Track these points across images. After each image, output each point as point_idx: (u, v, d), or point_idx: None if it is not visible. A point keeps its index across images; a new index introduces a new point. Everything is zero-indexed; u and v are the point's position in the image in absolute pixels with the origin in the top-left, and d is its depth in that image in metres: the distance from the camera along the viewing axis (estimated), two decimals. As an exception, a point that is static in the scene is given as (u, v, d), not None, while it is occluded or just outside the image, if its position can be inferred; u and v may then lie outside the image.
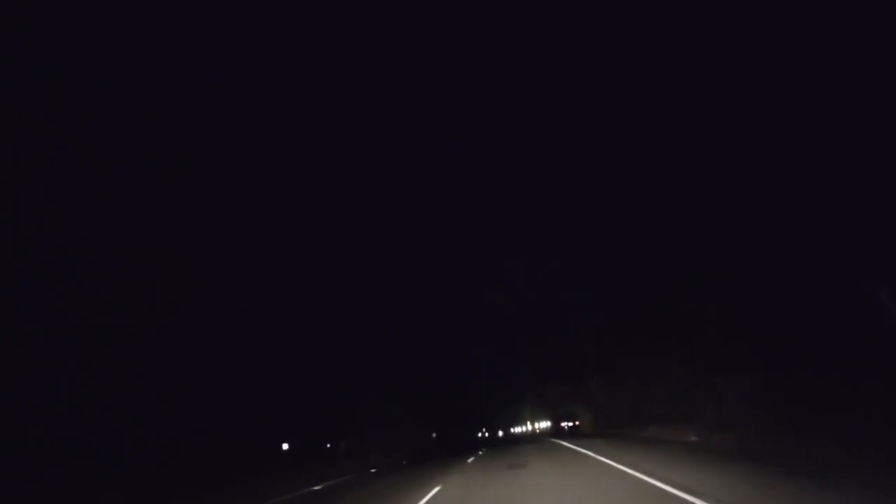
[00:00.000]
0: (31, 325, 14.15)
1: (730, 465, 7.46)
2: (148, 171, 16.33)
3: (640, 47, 15.33)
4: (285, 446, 24.35)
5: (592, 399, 34.28)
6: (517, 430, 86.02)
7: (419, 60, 17.46)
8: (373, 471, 17.24)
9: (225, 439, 19.80)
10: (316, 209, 24.93)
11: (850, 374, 11.29)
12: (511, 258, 26.99)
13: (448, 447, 36.55)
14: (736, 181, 15.02)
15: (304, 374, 29.70)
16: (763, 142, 14.18)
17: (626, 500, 5.47)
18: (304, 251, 26.82)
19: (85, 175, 14.89)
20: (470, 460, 15.81)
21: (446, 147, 22.48)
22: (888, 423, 7.52)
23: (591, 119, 17.99)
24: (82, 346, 15.56)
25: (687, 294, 17.43)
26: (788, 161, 13.87)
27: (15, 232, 13.25)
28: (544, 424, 65.31)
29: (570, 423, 38.75)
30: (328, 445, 29.44)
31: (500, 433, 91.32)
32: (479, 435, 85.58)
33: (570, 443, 18.23)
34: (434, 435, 52.80)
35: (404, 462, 21.01)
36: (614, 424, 26.32)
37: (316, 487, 13.12)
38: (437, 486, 9.64)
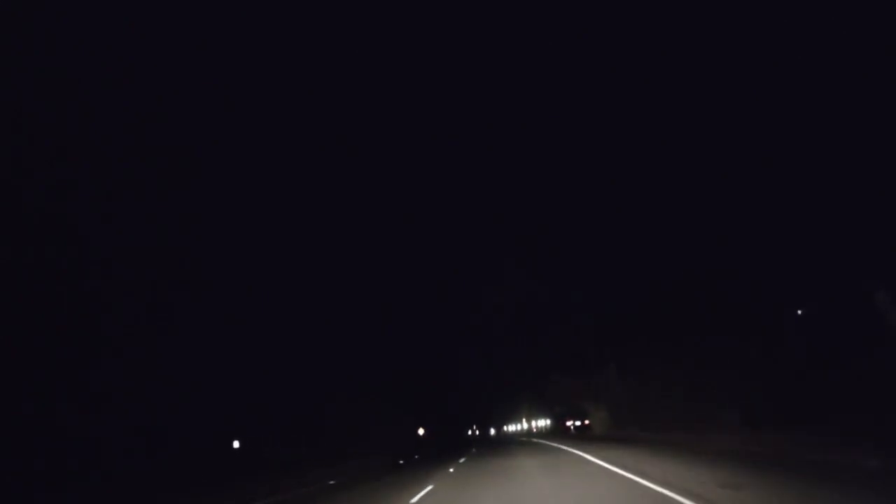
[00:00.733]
0: (30, 326, 14.14)
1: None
2: (148, 171, 16.32)
3: (640, 47, 15.34)
4: (236, 444, 21.53)
5: (607, 393, 27.10)
6: (512, 428, 79.66)
7: (419, 60, 17.47)
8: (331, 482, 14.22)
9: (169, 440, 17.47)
10: (316, 209, 24.92)
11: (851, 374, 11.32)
12: (511, 258, 26.97)
13: (436, 448, 33.41)
14: (736, 181, 15.02)
15: (304, 374, 29.68)
16: (763, 142, 14.18)
17: None
18: (304, 251, 26.80)
19: (85, 175, 14.88)
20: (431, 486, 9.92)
21: (446, 147, 22.47)
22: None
23: (591, 119, 18.00)
24: (82, 346, 15.55)
25: (687, 294, 17.43)
26: (788, 161, 13.87)
27: (14, 232, 13.25)
28: (542, 423, 60.11)
29: (579, 423, 32.67)
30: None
31: (493, 431, 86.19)
32: (470, 432, 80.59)
33: (594, 455, 12.27)
34: (421, 433, 49.46)
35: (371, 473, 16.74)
36: (632, 425, 21.99)
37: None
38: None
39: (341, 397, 31.45)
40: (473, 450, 27.44)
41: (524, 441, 33.05)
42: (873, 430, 7.94)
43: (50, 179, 14.03)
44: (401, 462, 21.46)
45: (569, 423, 34.96)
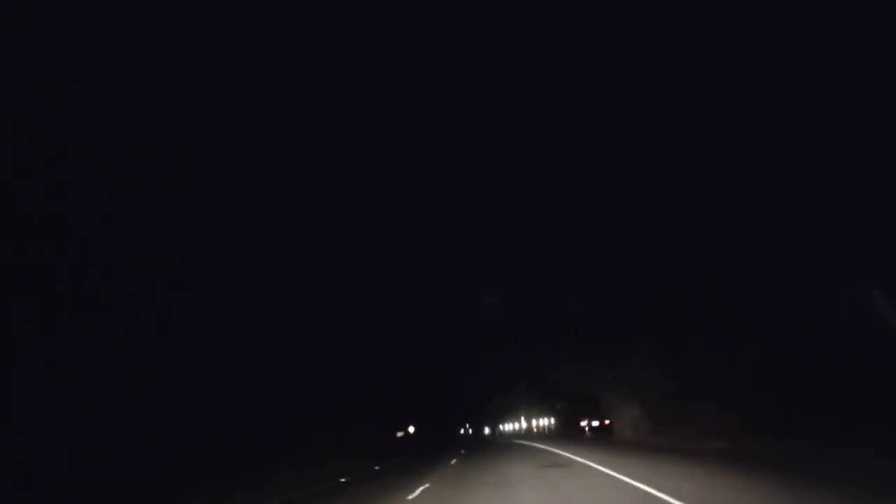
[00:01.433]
0: (30, 326, 14.14)
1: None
2: (148, 171, 16.31)
3: (640, 47, 15.33)
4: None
5: (644, 382, 19.69)
6: (508, 427, 72.04)
7: (419, 60, 17.42)
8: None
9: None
10: (316, 209, 24.90)
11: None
12: (510, 258, 26.94)
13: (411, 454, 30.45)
14: (736, 181, 15.03)
15: (303, 374, 29.66)
16: (763, 142, 14.18)
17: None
18: (304, 251, 26.77)
19: (85, 175, 14.87)
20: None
21: (446, 147, 22.43)
22: None
23: (591, 119, 17.97)
24: (82, 346, 15.55)
25: (687, 294, 17.38)
26: (788, 161, 13.87)
27: (14, 232, 13.25)
28: (543, 422, 52.10)
29: (597, 423, 26.13)
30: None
31: (487, 430, 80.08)
32: (462, 431, 75.82)
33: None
34: (412, 430, 46.95)
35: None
36: (671, 426, 16.63)
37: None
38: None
39: (325, 397, 30.29)
40: (462, 451, 25.62)
41: (521, 446, 26.95)
42: None
43: (50, 179, 14.02)
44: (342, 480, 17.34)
45: (583, 424, 27.36)
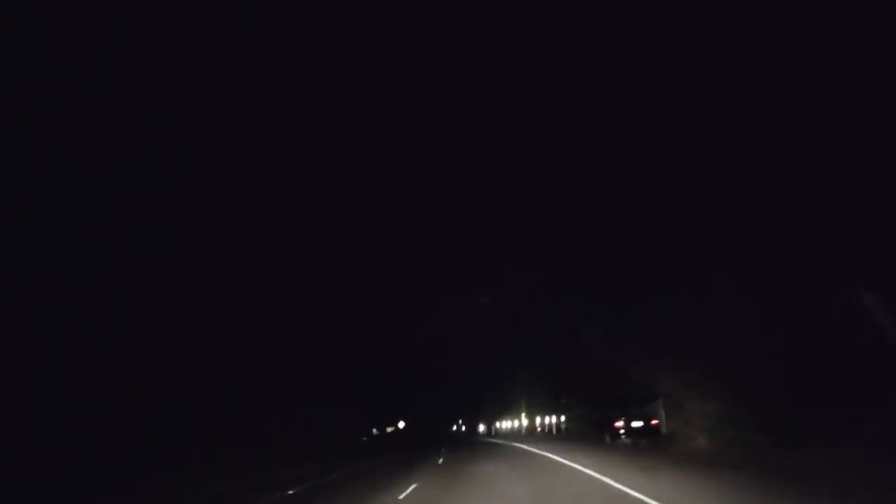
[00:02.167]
0: (30, 326, 14.14)
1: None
2: (148, 171, 16.32)
3: (640, 47, 15.33)
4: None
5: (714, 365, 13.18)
6: (505, 424, 61.68)
7: (419, 60, 17.43)
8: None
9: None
10: (316, 209, 24.92)
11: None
12: (510, 258, 26.93)
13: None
14: (736, 181, 15.01)
15: (304, 374, 29.68)
16: (763, 142, 14.18)
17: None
18: (304, 251, 26.80)
19: (85, 175, 14.88)
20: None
21: (446, 147, 22.44)
22: None
23: (591, 119, 17.97)
24: (81, 346, 15.55)
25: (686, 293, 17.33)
26: (788, 161, 13.87)
27: (14, 232, 13.25)
28: (549, 420, 40.84)
29: (640, 423, 19.94)
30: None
31: (482, 428, 72.55)
32: (455, 428, 71.30)
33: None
34: (401, 426, 44.11)
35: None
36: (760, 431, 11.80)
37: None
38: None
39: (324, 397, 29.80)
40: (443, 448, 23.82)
41: (520, 450, 20.60)
42: None
43: (50, 179, 14.03)
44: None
45: (618, 424, 20.57)
